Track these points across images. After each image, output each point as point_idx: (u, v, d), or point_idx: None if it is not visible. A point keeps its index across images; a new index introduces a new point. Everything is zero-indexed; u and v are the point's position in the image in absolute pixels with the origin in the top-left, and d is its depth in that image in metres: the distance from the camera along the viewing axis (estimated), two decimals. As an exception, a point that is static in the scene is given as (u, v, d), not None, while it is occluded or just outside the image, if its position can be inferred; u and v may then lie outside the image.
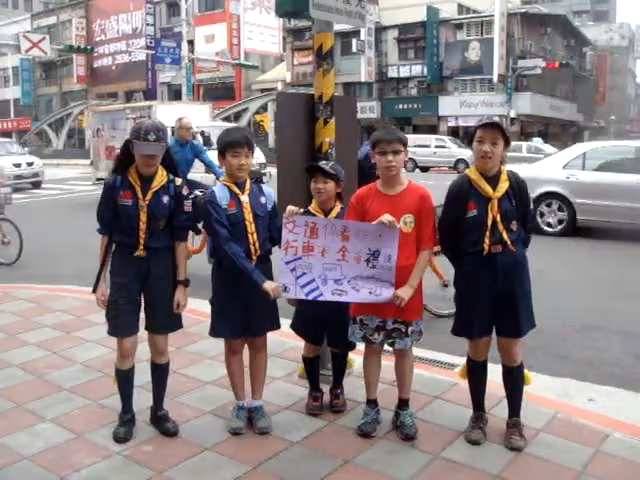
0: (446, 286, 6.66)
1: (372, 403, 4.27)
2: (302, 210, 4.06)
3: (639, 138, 21.54)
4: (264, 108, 43.10)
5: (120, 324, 4.03)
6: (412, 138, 31.39)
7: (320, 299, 3.98)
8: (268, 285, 3.93)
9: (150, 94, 48.11)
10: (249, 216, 4.03)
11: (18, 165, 23.58)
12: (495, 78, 41.52)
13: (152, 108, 18.67)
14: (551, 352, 6.01)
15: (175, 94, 49.56)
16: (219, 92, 50.79)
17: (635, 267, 9.99)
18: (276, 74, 50.94)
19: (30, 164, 24.30)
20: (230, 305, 4.10)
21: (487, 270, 3.89)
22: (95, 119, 21.13)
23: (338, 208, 4.30)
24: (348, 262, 3.94)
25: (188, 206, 4.12)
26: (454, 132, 44.34)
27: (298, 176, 4.59)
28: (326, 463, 3.84)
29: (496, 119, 3.84)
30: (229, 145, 4.01)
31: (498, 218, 3.83)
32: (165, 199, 4.01)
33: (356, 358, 4.89)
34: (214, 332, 4.23)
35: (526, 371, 4.21)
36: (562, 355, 5.99)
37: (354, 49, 43.01)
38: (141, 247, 3.97)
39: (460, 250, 3.99)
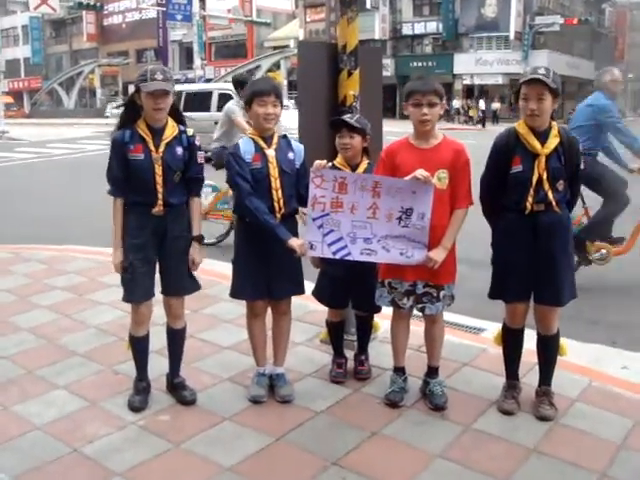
0: None
1: (399, 371, 4.07)
2: (330, 164, 3.80)
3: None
4: (277, 66, 42.41)
5: (136, 288, 3.82)
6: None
7: (348, 258, 3.75)
8: (294, 241, 3.70)
9: (161, 52, 47.55)
10: (274, 171, 3.78)
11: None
12: (512, 35, 40.76)
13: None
14: (580, 317, 5.77)
15: (186, 52, 48.96)
16: (231, 50, 50.19)
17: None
18: (288, 31, 50.11)
19: None
20: (253, 265, 3.88)
21: (527, 229, 3.64)
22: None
23: (365, 164, 4.05)
24: (378, 220, 3.69)
25: (201, 157, 3.90)
26: (469, 90, 43.74)
27: (321, 131, 4.33)
28: (352, 434, 3.64)
29: (541, 72, 3.52)
30: (255, 94, 3.77)
31: (544, 176, 3.57)
32: (179, 150, 3.78)
33: (382, 322, 4.70)
34: (235, 293, 4.02)
35: (562, 341, 3.98)
36: (592, 320, 5.76)
37: (368, 5, 42.20)
38: (160, 203, 3.73)
39: (499, 208, 3.74)
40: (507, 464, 3.39)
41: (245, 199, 3.73)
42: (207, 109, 18.19)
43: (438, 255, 3.67)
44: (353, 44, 4.41)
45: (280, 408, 3.94)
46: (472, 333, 5.19)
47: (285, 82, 42.46)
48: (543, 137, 3.60)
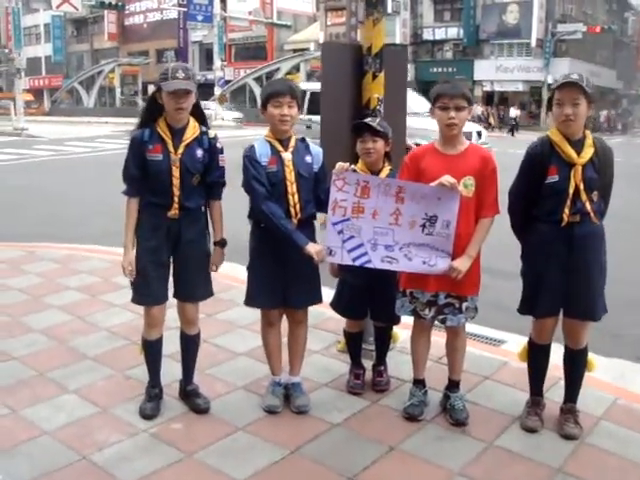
0: None
1: (419, 383, 3.94)
2: (353, 167, 3.68)
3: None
4: (296, 68, 42.39)
5: (148, 292, 3.71)
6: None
7: (368, 266, 3.63)
8: (312, 247, 3.58)
9: (181, 53, 47.66)
10: (290, 175, 3.67)
11: None
12: (533, 42, 40.45)
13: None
14: (603, 330, 5.60)
15: (206, 53, 49.02)
16: (251, 52, 50.18)
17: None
18: (309, 34, 49.99)
19: None
20: (269, 272, 3.76)
21: (562, 241, 3.50)
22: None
23: (387, 169, 3.93)
24: (401, 227, 3.57)
25: (223, 160, 3.78)
26: (489, 97, 43.47)
27: (343, 135, 4.21)
28: (370, 449, 3.52)
29: (575, 77, 3.39)
30: (271, 95, 3.64)
31: (581, 187, 3.43)
32: (199, 152, 3.67)
33: (401, 332, 4.57)
34: (250, 301, 3.90)
35: (590, 356, 3.83)
36: (614, 333, 5.59)
37: (389, 10, 41.93)
38: (175, 206, 3.62)
39: (530, 220, 3.60)
40: (531, 485, 3.26)
41: (261, 204, 3.61)
42: None
43: (462, 264, 3.54)
44: (379, 46, 4.29)
45: (295, 419, 3.83)
46: (492, 345, 5.05)
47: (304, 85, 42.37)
48: (578, 146, 3.46)
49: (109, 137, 28.11)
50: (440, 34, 45.48)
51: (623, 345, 5.35)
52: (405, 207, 3.55)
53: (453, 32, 44.60)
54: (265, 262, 3.77)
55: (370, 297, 4.04)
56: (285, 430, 3.69)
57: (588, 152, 3.46)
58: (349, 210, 3.59)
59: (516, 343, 5.08)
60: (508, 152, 17.88)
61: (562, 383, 4.17)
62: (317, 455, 3.45)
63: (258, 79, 41.91)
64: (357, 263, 3.63)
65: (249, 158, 3.67)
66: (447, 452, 3.51)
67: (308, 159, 3.77)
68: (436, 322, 3.81)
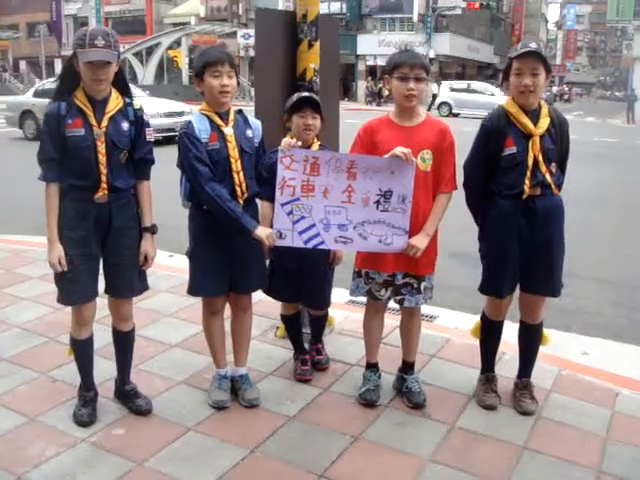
0: None
1: (373, 367, 3.78)
2: (299, 142, 3.43)
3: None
4: (178, 43, 41.12)
5: (77, 289, 3.30)
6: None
7: (322, 247, 3.43)
8: (261, 231, 3.32)
9: (55, 27, 45.16)
10: (234, 152, 3.37)
11: None
12: (415, 17, 41.08)
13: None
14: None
15: (81, 27, 46.71)
16: (129, 26, 48.27)
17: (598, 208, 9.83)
18: (189, 8, 48.68)
19: None
20: (214, 257, 3.47)
21: (523, 215, 3.40)
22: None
23: (317, 145, 3.69)
24: (354, 204, 3.36)
25: (150, 135, 3.40)
26: (372, 71, 43.90)
27: (277, 106, 3.93)
28: (333, 441, 3.33)
29: (534, 46, 3.26)
30: (208, 64, 3.31)
31: (540, 157, 3.33)
32: (125, 125, 3.28)
33: (335, 314, 4.44)
34: (194, 291, 3.59)
35: (545, 330, 3.80)
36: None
37: (271, -16, 41.44)
38: (104, 187, 3.21)
39: (486, 195, 3.48)
40: (502, 464, 3.19)
41: (205, 185, 3.28)
42: None
43: (421, 242, 3.38)
44: (314, 13, 4.05)
45: (247, 414, 3.57)
46: (426, 321, 4.96)
47: (186, 60, 41.29)
48: (534, 117, 3.36)
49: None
50: (323, 9, 45.05)
51: (552, 315, 5.41)
52: (358, 183, 3.34)
53: (336, 7, 44.57)
54: (208, 248, 3.47)
55: (301, 281, 3.81)
56: (239, 427, 3.43)
57: (544, 122, 3.37)
58: (298, 189, 3.34)
59: (448, 318, 5.07)
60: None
61: (506, 358, 4.17)
62: (280, 452, 3.21)
63: (137, 54, 40.34)
64: (309, 245, 3.40)
65: (187, 135, 3.32)
66: (412, 438, 3.38)
67: (249, 133, 3.49)
68: (391, 302, 3.66)
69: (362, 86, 43.08)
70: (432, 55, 40.24)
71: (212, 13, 46.47)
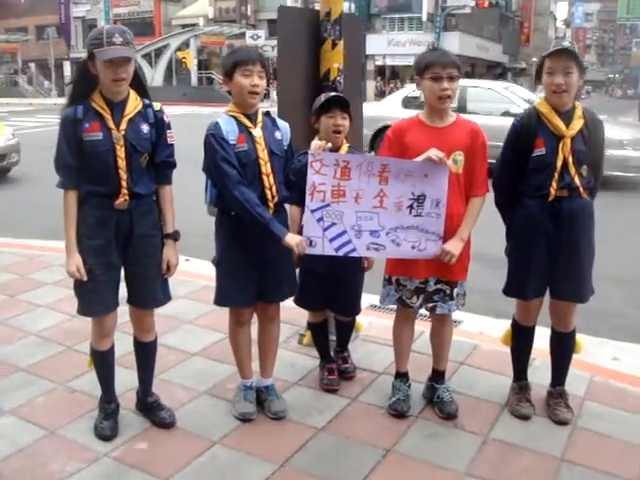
0: None
1: (403, 377, 3.65)
2: (330, 145, 3.30)
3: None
4: (186, 44, 41.13)
5: (99, 300, 3.18)
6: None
7: (353, 255, 3.29)
8: (291, 239, 3.18)
9: (64, 29, 45.24)
10: (263, 154, 3.24)
11: None
12: (424, 17, 40.85)
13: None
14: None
15: (90, 30, 46.68)
16: (137, 28, 47.99)
17: (621, 210, 9.64)
18: (197, 9, 48.65)
19: None
20: (242, 266, 3.34)
21: (550, 217, 3.28)
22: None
23: (346, 147, 3.58)
24: (387, 209, 3.23)
25: (172, 137, 3.27)
26: (381, 71, 43.74)
27: (301, 108, 3.83)
28: (365, 454, 3.20)
29: (567, 44, 3.15)
30: (239, 62, 3.18)
31: (570, 159, 3.20)
32: (145, 128, 3.15)
33: (362, 320, 4.33)
34: (223, 301, 3.45)
35: (578, 337, 3.67)
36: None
37: (280, -16, 41.39)
38: (124, 193, 3.09)
39: (515, 196, 3.36)
40: (540, 477, 3.08)
41: (234, 189, 3.15)
42: None
43: (455, 247, 3.25)
44: (338, 11, 3.93)
45: (275, 426, 3.45)
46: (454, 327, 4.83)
47: (195, 62, 41.29)
48: (567, 118, 3.24)
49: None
50: (332, 9, 45.27)
51: (579, 319, 5.27)
52: (390, 187, 3.21)
53: (345, 6, 44.34)
54: (237, 255, 3.34)
55: (331, 285, 3.69)
56: (266, 440, 3.31)
57: (577, 124, 3.24)
58: (328, 194, 3.21)
59: (472, 322, 4.93)
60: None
61: (536, 364, 4.03)
62: (310, 467, 3.09)
63: (146, 56, 40.35)
64: (340, 253, 3.27)
65: (214, 136, 3.19)
66: (446, 451, 3.25)
67: (278, 135, 3.36)
68: (422, 310, 3.54)
69: (371, 86, 42.89)
70: (441, 54, 40.03)
71: (220, 14, 46.41)
